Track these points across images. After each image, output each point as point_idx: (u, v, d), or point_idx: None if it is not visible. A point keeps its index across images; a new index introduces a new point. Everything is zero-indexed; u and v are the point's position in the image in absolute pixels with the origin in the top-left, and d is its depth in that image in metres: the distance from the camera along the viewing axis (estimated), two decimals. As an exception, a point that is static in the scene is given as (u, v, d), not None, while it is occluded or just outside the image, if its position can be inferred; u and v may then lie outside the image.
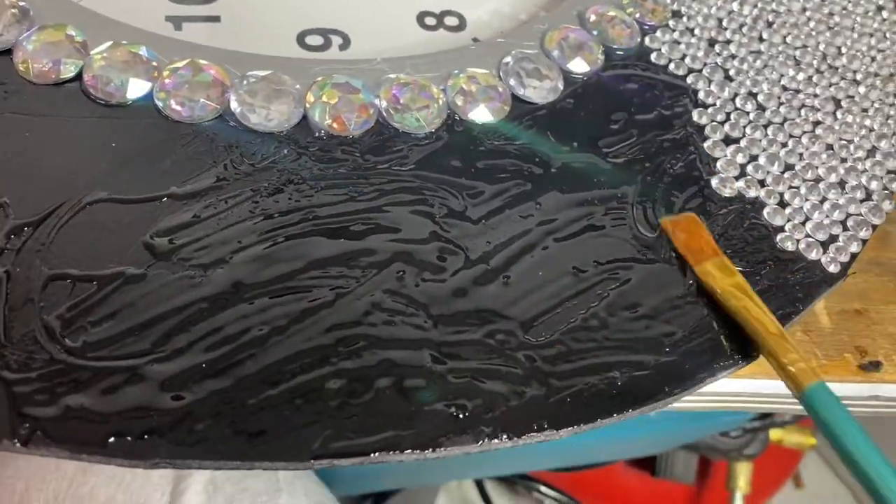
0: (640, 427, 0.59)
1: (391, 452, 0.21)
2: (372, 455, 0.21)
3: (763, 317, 0.24)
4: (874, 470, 0.21)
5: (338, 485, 0.47)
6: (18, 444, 0.20)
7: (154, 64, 0.26)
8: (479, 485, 0.82)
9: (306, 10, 0.33)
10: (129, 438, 0.20)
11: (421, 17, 0.34)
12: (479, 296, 0.24)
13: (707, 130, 0.30)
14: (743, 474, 0.79)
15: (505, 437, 0.22)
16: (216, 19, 0.32)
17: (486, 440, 0.22)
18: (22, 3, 0.27)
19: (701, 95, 0.31)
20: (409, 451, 0.21)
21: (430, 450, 0.21)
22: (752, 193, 0.28)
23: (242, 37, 0.31)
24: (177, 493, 0.38)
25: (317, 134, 0.27)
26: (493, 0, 0.36)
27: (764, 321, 0.24)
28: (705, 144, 0.29)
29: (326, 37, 0.32)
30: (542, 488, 0.79)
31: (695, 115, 0.30)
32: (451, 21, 0.34)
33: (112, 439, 0.20)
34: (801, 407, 0.24)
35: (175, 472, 0.38)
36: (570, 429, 0.22)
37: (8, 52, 0.26)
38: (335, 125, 0.27)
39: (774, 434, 0.80)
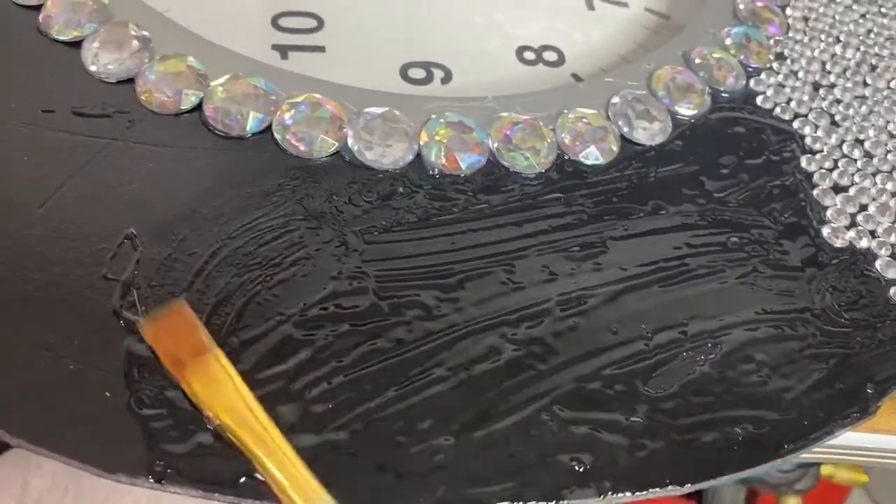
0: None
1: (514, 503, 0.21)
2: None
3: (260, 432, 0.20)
4: None
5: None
6: (153, 481, 0.20)
7: (273, 97, 0.27)
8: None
9: (409, 44, 0.33)
10: (259, 478, 0.20)
11: (520, 52, 0.34)
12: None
13: (816, 178, 0.30)
14: (791, 509, 0.77)
15: (628, 492, 0.21)
16: (321, 49, 0.32)
17: (609, 494, 0.21)
18: (144, 33, 0.27)
19: (808, 141, 0.30)
20: (532, 502, 0.21)
21: (554, 502, 0.21)
22: (863, 244, 0.28)
23: (347, 67, 0.32)
24: None
25: (430, 172, 0.27)
26: (592, 36, 0.35)
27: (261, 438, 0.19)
28: (815, 192, 0.29)
29: (429, 70, 0.32)
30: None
31: (803, 162, 0.30)
32: (549, 56, 0.34)
33: (243, 479, 0.20)
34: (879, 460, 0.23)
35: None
36: (691, 484, 0.22)
37: (129, 80, 0.27)
38: (447, 164, 0.27)
39: (826, 469, 0.78)
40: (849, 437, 0.29)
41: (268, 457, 0.20)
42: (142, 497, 0.38)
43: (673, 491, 0.22)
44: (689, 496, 0.81)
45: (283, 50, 0.32)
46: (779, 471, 0.74)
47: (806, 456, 0.28)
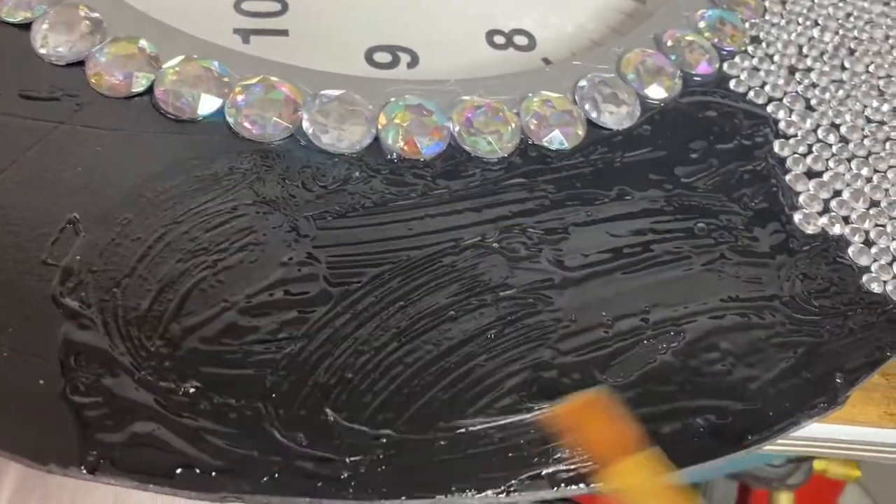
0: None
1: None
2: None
3: None
4: None
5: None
6: (85, 472, 0.19)
7: (226, 80, 0.26)
8: (513, 502, 0.81)
9: (375, 27, 0.32)
10: (197, 471, 0.19)
11: (490, 36, 0.33)
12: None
13: (789, 163, 0.29)
14: (784, 504, 0.76)
15: (582, 484, 0.21)
16: (284, 33, 0.31)
17: (562, 486, 0.21)
18: (95, 15, 0.27)
19: (782, 126, 0.30)
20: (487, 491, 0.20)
21: (504, 494, 0.20)
22: (836, 230, 0.27)
23: (310, 52, 0.31)
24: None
25: (388, 156, 0.26)
26: (564, 20, 0.35)
27: None
28: (787, 177, 0.28)
29: (395, 54, 0.32)
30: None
31: (776, 147, 0.29)
32: (520, 40, 0.34)
33: (180, 470, 0.19)
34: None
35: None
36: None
37: (80, 63, 0.26)
38: (406, 148, 0.26)
39: (819, 464, 0.77)
40: (827, 430, 0.28)
41: None
42: (109, 492, 0.37)
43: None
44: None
45: (245, 34, 0.31)
46: (770, 465, 0.73)
47: (782, 448, 0.27)
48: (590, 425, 0.21)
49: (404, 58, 0.32)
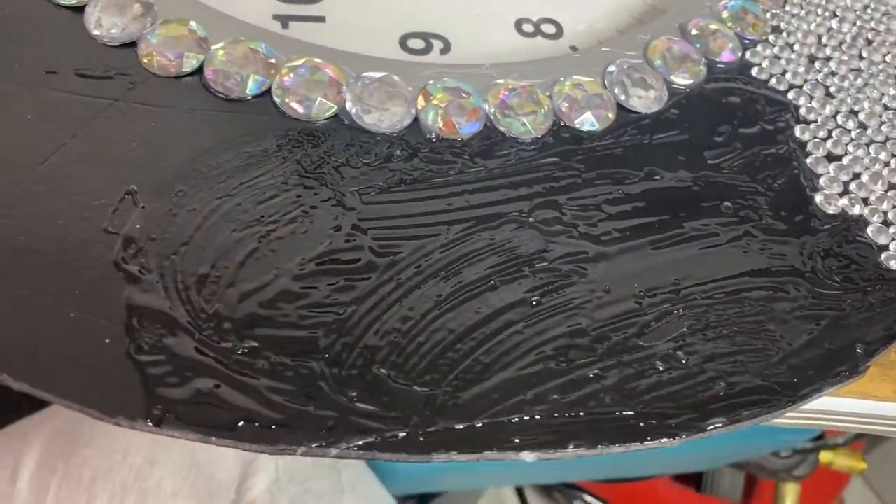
0: (695, 443, 0.59)
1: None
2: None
3: None
4: None
5: (392, 486, 0.47)
6: (151, 425, 0.20)
7: (272, 61, 0.27)
8: (520, 491, 0.82)
9: (409, 15, 0.33)
10: (256, 424, 0.20)
11: (519, 25, 0.34)
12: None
13: (809, 147, 0.30)
14: (790, 495, 0.77)
15: (619, 445, 0.22)
16: (321, 19, 0.33)
17: (602, 445, 0.22)
18: (146, -2, 0.28)
19: (802, 112, 0.31)
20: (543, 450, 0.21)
21: (556, 449, 0.21)
22: (855, 211, 0.28)
23: (347, 37, 0.32)
24: (242, 491, 0.39)
25: (427, 136, 0.27)
26: (590, 9, 0.36)
27: None
28: (808, 160, 0.29)
29: (428, 41, 0.33)
30: (587, 497, 0.79)
31: (797, 131, 0.30)
32: (548, 29, 0.35)
33: (241, 423, 0.20)
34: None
35: (240, 469, 0.39)
36: (683, 437, 0.22)
37: (132, 44, 0.27)
38: (445, 128, 0.27)
39: (825, 456, 0.79)
40: (841, 404, 0.29)
41: None
42: (129, 472, 0.38)
43: (666, 444, 0.22)
44: (687, 481, 0.82)
45: (284, 20, 0.32)
46: (777, 456, 0.74)
47: (804, 421, 0.28)
48: None
49: (437, 44, 0.33)
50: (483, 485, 0.67)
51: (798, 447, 0.73)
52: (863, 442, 0.85)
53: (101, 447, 0.38)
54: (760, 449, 0.67)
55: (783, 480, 0.76)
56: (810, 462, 0.75)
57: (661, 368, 0.23)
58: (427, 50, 0.33)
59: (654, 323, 0.24)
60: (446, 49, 0.33)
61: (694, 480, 0.82)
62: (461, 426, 0.21)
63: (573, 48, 0.34)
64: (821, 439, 0.73)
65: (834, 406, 0.29)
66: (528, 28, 0.34)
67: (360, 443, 0.21)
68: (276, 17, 0.32)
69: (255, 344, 0.22)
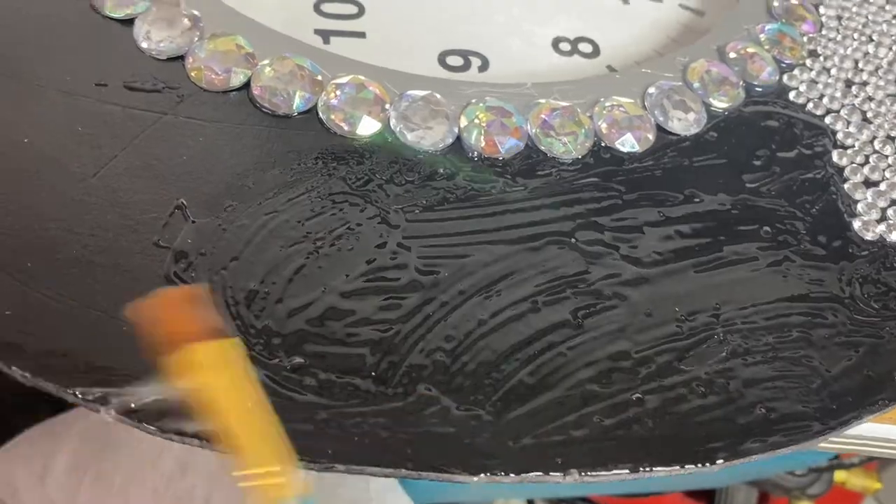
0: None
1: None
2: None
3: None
4: None
5: (416, 496, 0.48)
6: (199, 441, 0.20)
7: (318, 78, 0.27)
8: (530, 503, 0.82)
9: (448, 32, 0.34)
10: (304, 439, 0.21)
11: (556, 43, 0.35)
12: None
13: (847, 172, 0.30)
14: (803, 514, 0.77)
15: (661, 466, 0.22)
16: (362, 35, 0.33)
17: (643, 469, 0.22)
18: (194, 12, 0.28)
19: (840, 137, 0.31)
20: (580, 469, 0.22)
21: (598, 468, 0.22)
22: (893, 238, 0.28)
23: (387, 53, 0.32)
24: (272, 496, 0.39)
25: (469, 154, 0.27)
26: (626, 29, 0.36)
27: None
28: (845, 186, 0.30)
29: (466, 58, 0.33)
30: (599, 511, 0.79)
31: (834, 156, 0.30)
32: (585, 48, 0.35)
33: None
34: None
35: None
36: (722, 461, 0.23)
37: (179, 58, 0.27)
38: (486, 147, 0.27)
39: (839, 475, 0.78)
40: (882, 430, 0.29)
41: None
42: (161, 477, 0.39)
43: (706, 469, 0.22)
44: (700, 497, 0.82)
45: (325, 35, 0.33)
46: (792, 474, 0.74)
47: (838, 445, 0.28)
48: (172, 317, 0.20)
49: (475, 61, 0.33)
50: (500, 497, 0.67)
51: (813, 466, 0.73)
52: (876, 462, 0.84)
53: (133, 451, 0.39)
54: (777, 467, 0.67)
55: (797, 499, 0.76)
56: (824, 481, 0.75)
57: (701, 393, 0.23)
58: (465, 67, 0.33)
59: (695, 347, 0.24)
60: (484, 66, 0.33)
61: (707, 496, 0.81)
62: (505, 447, 0.22)
63: (610, 67, 0.34)
64: (836, 458, 0.73)
65: (870, 431, 0.29)
66: (565, 47, 0.35)
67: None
68: (317, 31, 0.33)
69: (303, 360, 0.22)
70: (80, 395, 0.20)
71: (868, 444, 0.32)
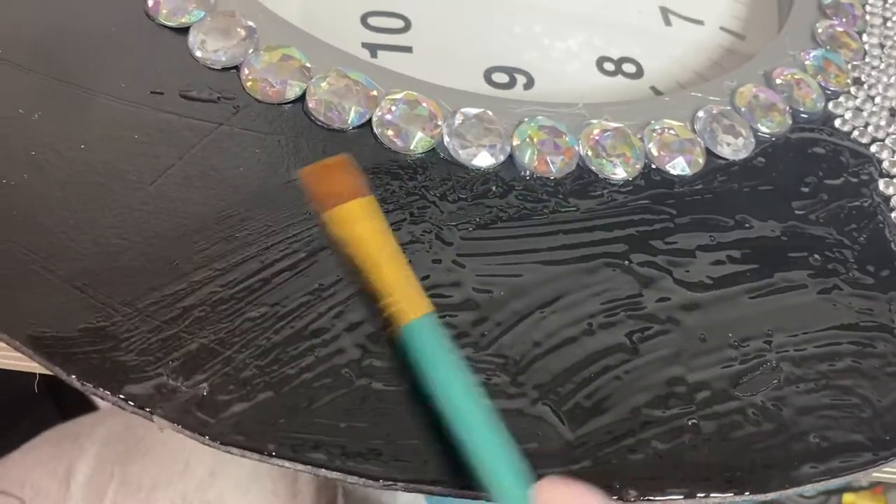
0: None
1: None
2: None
3: (383, 260, 0.22)
4: (453, 403, 0.20)
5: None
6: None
7: (373, 93, 0.27)
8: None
9: (494, 49, 0.34)
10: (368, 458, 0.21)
11: (600, 63, 0.35)
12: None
13: (893, 201, 0.30)
14: (813, 535, 0.77)
15: (717, 493, 0.22)
16: (409, 49, 0.33)
17: (699, 496, 0.22)
18: (249, 23, 0.28)
19: (885, 165, 0.31)
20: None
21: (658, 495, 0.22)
22: (940, 268, 0.29)
23: (433, 68, 0.32)
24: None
25: (522, 173, 0.27)
26: (669, 51, 0.36)
27: (382, 264, 0.22)
28: (893, 215, 0.30)
29: (512, 75, 0.33)
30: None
31: (881, 185, 0.30)
32: (628, 68, 0.35)
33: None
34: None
35: (292, 488, 0.39)
36: (774, 491, 0.23)
37: (233, 68, 0.28)
38: (538, 166, 0.27)
39: (847, 498, 0.78)
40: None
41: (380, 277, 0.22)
42: (190, 484, 0.38)
43: (760, 497, 0.22)
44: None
45: (373, 48, 0.33)
46: (802, 496, 0.74)
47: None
48: (326, 180, 0.24)
49: (521, 79, 0.33)
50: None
51: (822, 488, 0.73)
52: (882, 485, 0.84)
53: (161, 456, 0.38)
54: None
55: (805, 521, 0.76)
56: (833, 503, 0.75)
57: (756, 420, 0.23)
58: (511, 84, 0.33)
59: (748, 373, 0.24)
60: (529, 84, 0.33)
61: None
62: (563, 469, 0.21)
63: (654, 88, 0.34)
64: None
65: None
66: (609, 67, 0.35)
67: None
68: (364, 45, 0.33)
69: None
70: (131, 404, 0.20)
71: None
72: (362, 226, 0.23)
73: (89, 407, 0.49)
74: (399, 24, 0.34)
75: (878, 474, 0.32)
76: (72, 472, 0.41)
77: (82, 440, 0.42)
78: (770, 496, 0.23)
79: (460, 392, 0.20)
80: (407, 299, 0.22)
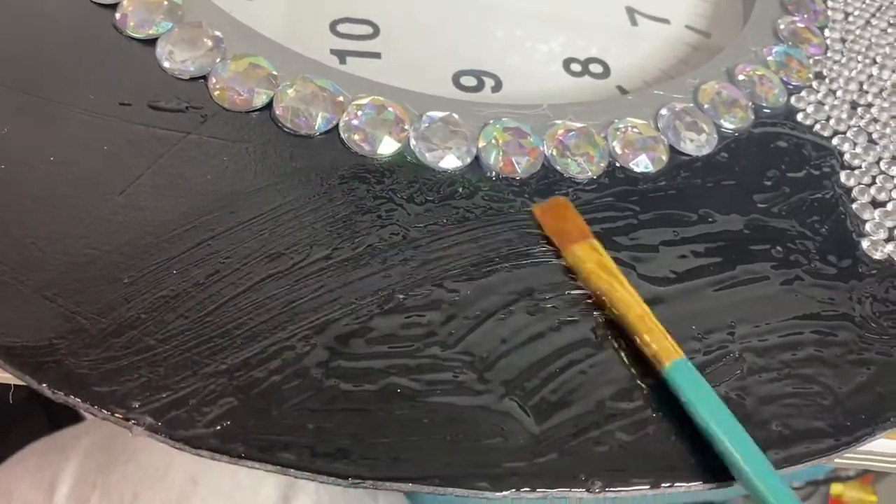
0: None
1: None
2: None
3: (628, 298, 0.24)
4: (734, 442, 0.22)
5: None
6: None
7: (339, 99, 0.28)
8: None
9: (462, 53, 0.34)
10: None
11: (567, 64, 0.35)
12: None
13: (855, 192, 0.31)
14: (802, 527, 0.78)
15: (682, 483, 0.22)
16: (377, 55, 0.33)
17: (663, 486, 0.22)
18: (216, 33, 0.29)
19: (847, 157, 0.32)
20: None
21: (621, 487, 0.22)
22: (901, 257, 0.29)
23: (402, 74, 0.33)
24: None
25: (488, 174, 0.28)
26: (636, 50, 0.37)
27: (629, 302, 0.24)
28: (853, 206, 0.30)
29: (480, 78, 0.34)
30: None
31: (842, 177, 0.31)
32: (595, 69, 0.35)
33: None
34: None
35: (282, 491, 0.39)
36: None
37: (201, 77, 0.28)
38: (504, 167, 0.28)
39: (835, 488, 0.79)
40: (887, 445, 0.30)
41: (631, 315, 0.24)
42: (171, 491, 0.39)
43: (725, 484, 0.23)
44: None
45: (342, 55, 0.33)
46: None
47: (848, 461, 0.29)
48: (557, 219, 0.27)
49: (489, 82, 0.34)
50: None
51: (810, 479, 0.74)
52: (871, 475, 0.85)
53: (142, 464, 0.39)
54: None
55: (793, 512, 0.76)
56: (821, 494, 0.76)
57: (719, 409, 0.24)
58: (479, 87, 0.33)
59: (712, 364, 0.25)
60: (497, 87, 0.34)
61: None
62: (529, 463, 0.22)
63: (620, 88, 0.35)
64: (832, 471, 0.73)
65: (881, 448, 0.29)
66: (576, 67, 0.35)
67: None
68: (333, 51, 0.33)
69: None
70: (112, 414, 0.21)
71: (863, 457, 0.33)
72: (606, 262, 0.25)
73: (79, 417, 0.50)
74: (368, 30, 0.34)
75: (866, 463, 0.32)
76: (56, 483, 0.41)
77: (67, 451, 0.42)
78: (735, 484, 0.23)
79: (730, 426, 0.22)
80: (661, 340, 0.24)
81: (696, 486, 0.23)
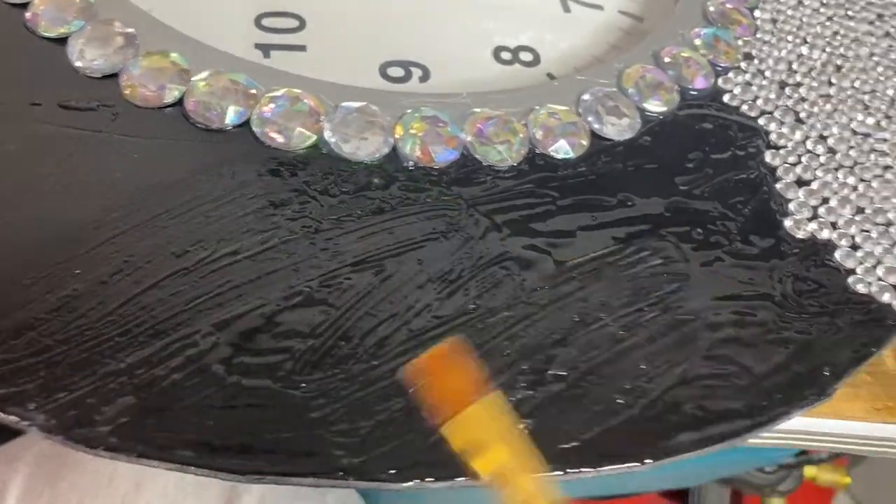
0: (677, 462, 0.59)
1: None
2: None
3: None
4: None
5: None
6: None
7: (252, 92, 0.28)
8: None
9: (388, 43, 0.34)
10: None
11: (497, 53, 0.35)
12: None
13: (779, 172, 0.31)
14: (775, 510, 0.78)
15: (589, 467, 0.22)
16: (302, 48, 0.33)
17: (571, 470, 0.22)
18: (129, 30, 0.28)
19: (773, 137, 0.32)
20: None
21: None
22: (824, 235, 0.29)
23: (327, 66, 0.32)
24: (228, 514, 0.39)
25: (405, 164, 0.28)
26: (566, 37, 0.36)
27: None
28: (778, 185, 0.30)
29: (407, 69, 0.33)
30: (574, 515, 0.79)
31: (767, 157, 0.31)
32: (525, 56, 0.35)
33: (219, 453, 0.21)
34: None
35: (227, 494, 0.39)
36: (651, 460, 0.23)
37: (114, 75, 0.28)
38: (422, 156, 0.28)
39: (809, 471, 0.79)
40: (814, 423, 0.30)
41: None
42: (115, 497, 0.38)
43: (633, 468, 0.23)
44: (674, 497, 0.82)
45: (266, 49, 0.33)
46: (762, 472, 0.75)
47: (778, 440, 0.29)
48: (442, 374, 0.21)
49: (416, 72, 0.34)
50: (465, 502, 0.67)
51: (782, 462, 0.74)
52: (846, 458, 0.85)
53: (88, 471, 0.38)
54: (744, 465, 0.68)
55: (768, 496, 0.77)
56: (795, 477, 0.76)
57: (632, 393, 0.24)
58: (406, 78, 0.33)
59: (625, 349, 0.25)
60: (425, 77, 0.34)
61: (680, 496, 0.82)
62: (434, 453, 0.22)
63: (550, 75, 0.35)
64: (804, 455, 0.74)
65: (807, 426, 0.29)
66: (505, 56, 0.35)
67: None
68: (257, 46, 0.33)
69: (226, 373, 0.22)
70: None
71: (834, 440, 0.33)
72: (490, 436, 0.20)
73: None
74: (293, 23, 0.34)
75: (842, 446, 0.32)
76: (4, 495, 0.41)
77: (16, 462, 0.42)
78: (646, 468, 0.23)
79: None
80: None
81: (605, 469, 0.23)
